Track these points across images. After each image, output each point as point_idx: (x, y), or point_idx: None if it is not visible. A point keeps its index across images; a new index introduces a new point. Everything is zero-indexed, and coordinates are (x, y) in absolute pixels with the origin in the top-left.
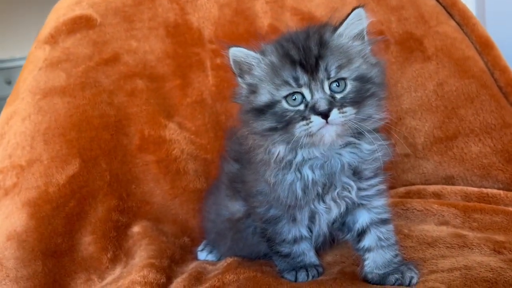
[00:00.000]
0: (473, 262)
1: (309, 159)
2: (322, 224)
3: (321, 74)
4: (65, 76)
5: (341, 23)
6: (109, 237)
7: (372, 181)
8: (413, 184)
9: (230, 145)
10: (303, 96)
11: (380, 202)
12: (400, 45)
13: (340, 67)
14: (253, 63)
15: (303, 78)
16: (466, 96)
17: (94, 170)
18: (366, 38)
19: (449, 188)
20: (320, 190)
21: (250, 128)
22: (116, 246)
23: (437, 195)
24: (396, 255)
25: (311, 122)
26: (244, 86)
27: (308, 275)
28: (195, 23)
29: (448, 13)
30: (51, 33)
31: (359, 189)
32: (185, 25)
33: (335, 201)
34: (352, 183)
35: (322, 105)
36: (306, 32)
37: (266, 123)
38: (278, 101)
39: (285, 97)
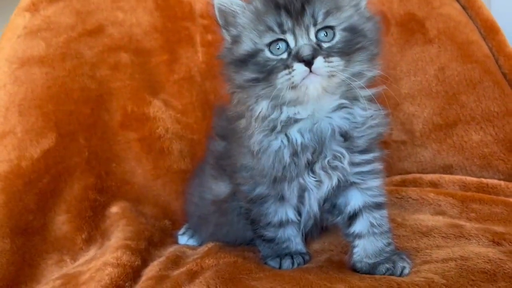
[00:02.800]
0: (470, 253)
1: (296, 120)
2: (312, 203)
3: (307, 19)
4: (45, 46)
5: None
6: (84, 217)
7: (367, 156)
8: (409, 172)
9: (217, 122)
10: (288, 45)
11: (375, 183)
12: (400, 27)
13: (328, 14)
14: (238, 10)
15: (287, 23)
16: (468, 82)
17: (71, 145)
18: None
19: (447, 177)
20: (310, 157)
21: (232, 82)
22: (92, 227)
23: (434, 184)
24: (389, 244)
25: (293, 70)
26: (228, 38)
27: (293, 263)
28: None
29: None
30: (32, 0)
31: (352, 164)
32: None
33: (325, 171)
34: (344, 151)
35: (306, 51)
36: None
37: (248, 73)
38: (261, 50)
39: (269, 45)
